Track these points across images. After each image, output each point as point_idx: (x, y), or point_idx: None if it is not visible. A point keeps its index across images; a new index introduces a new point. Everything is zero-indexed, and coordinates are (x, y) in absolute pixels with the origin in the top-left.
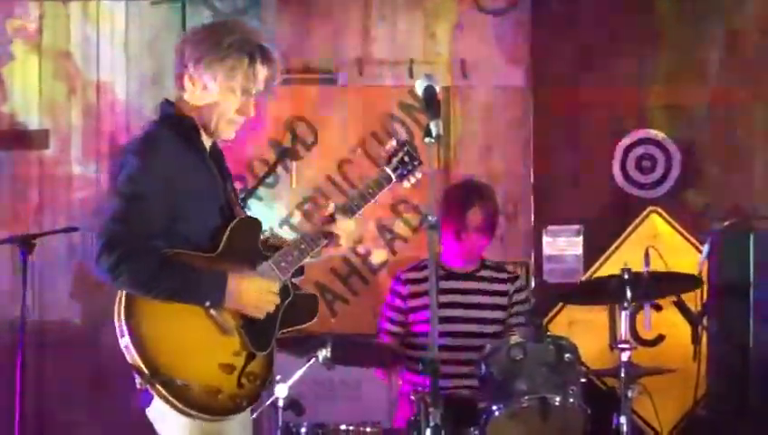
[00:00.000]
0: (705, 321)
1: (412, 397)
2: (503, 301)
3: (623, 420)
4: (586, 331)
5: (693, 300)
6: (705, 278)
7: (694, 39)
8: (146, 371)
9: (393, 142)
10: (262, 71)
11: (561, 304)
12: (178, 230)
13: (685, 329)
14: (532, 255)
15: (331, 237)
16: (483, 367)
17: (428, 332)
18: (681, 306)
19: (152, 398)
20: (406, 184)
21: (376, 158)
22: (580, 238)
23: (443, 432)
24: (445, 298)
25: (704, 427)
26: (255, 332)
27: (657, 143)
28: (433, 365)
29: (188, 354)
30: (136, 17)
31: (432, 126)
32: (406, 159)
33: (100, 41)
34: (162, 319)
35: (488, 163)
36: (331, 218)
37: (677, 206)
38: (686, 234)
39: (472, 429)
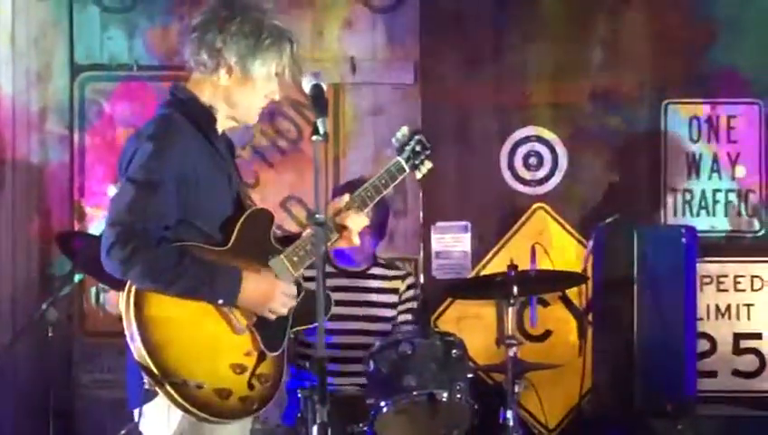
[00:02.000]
0: (589, 316)
1: (299, 394)
2: (393, 299)
3: (510, 414)
4: (474, 327)
5: (578, 296)
6: (589, 274)
7: (578, 36)
8: (156, 371)
9: (404, 131)
10: (292, 56)
11: (449, 300)
12: (191, 221)
13: (571, 324)
14: (421, 251)
15: (343, 231)
16: (371, 363)
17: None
18: (566, 302)
19: (142, 400)
20: (418, 175)
21: (264, 153)
22: (468, 235)
23: (329, 430)
24: (335, 296)
25: (589, 421)
26: (268, 331)
27: (544, 140)
28: (320, 363)
29: (199, 355)
30: (23, 12)
31: (319, 124)
32: (418, 148)
33: None
34: (173, 316)
35: (378, 160)
36: (344, 212)
37: (563, 202)
38: (571, 230)
39: (360, 425)
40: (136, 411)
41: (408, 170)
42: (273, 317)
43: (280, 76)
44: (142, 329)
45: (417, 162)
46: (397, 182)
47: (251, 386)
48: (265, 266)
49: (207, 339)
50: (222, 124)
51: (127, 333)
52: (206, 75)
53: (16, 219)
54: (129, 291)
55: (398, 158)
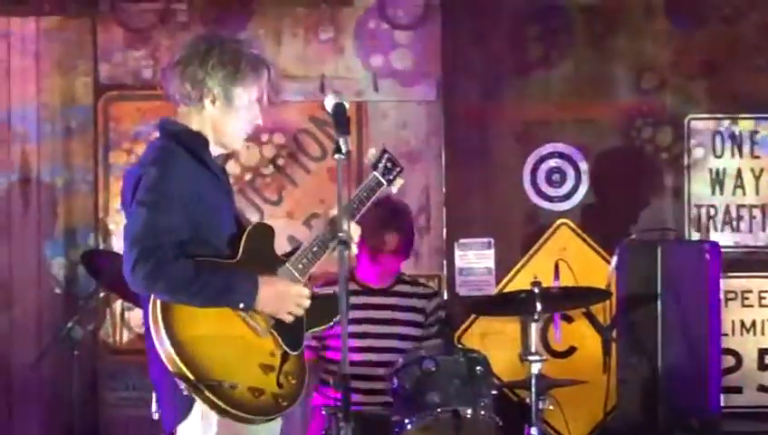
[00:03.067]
0: (613, 333)
1: (324, 411)
2: (419, 318)
3: (534, 431)
4: (498, 343)
5: (602, 312)
6: (613, 290)
7: (601, 52)
8: (191, 376)
9: (372, 150)
10: (269, 81)
11: (472, 316)
12: (201, 238)
13: (595, 341)
14: (444, 268)
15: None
16: (395, 380)
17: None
18: (590, 318)
19: (178, 419)
20: (393, 189)
21: (289, 172)
22: (492, 251)
23: None
24: (360, 314)
25: None
26: (286, 332)
27: (567, 157)
28: (344, 380)
29: (230, 357)
30: (47, 32)
31: (341, 142)
32: (389, 165)
33: None
34: (199, 325)
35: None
36: (334, 222)
37: (587, 219)
38: (595, 246)
39: None
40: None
41: (384, 184)
42: (290, 319)
43: (260, 101)
44: (172, 337)
45: (390, 177)
46: (377, 195)
47: (280, 384)
48: (274, 275)
49: (235, 341)
50: (212, 151)
51: (156, 343)
52: (191, 106)
53: (41, 238)
54: (155, 303)
55: (375, 173)
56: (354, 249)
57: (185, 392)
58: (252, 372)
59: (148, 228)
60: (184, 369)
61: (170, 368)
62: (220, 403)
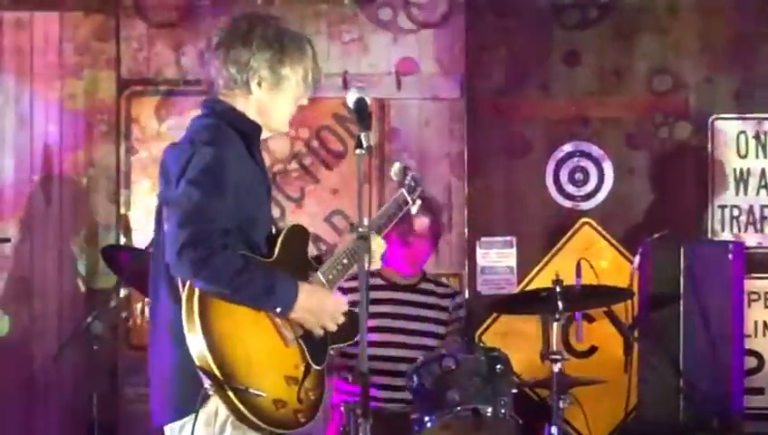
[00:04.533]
0: (635, 332)
1: (342, 408)
2: (443, 316)
3: (555, 430)
4: (519, 342)
5: (624, 311)
6: (635, 290)
7: (625, 51)
8: (219, 375)
9: (398, 167)
10: (313, 58)
11: (493, 315)
12: (244, 230)
13: (617, 340)
14: (466, 266)
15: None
16: (415, 378)
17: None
18: (612, 317)
19: (175, 415)
20: (414, 209)
21: (310, 169)
22: (514, 250)
23: None
24: (384, 308)
25: None
26: (313, 344)
27: (590, 156)
28: (363, 377)
29: (260, 364)
30: (70, 27)
31: (363, 137)
32: (413, 184)
33: None
34: (234, 324)
35: (422, 175)
36: (364, 237)
37: (609, 218)
38: (617, 245)
39: None
40: (177, 424)
41: (410, 202)
42: (320, 332)
43: (305, 79)
44: (206, 333)
45: (414, 197)
46: (403, 212)
47: (300, 400)
48: (307, 282)
49: (266, 348)
50: None
51: (189, 336)
52: (236, 90)
53: (63, 233)
54: (192, 294)
55: (402, 190)
56: (379, 263)
57: (208, 390)
58: (277, 382)
59: (200, 211)
60: (213, 365)
61: (197, 362)
62: (242, 408)
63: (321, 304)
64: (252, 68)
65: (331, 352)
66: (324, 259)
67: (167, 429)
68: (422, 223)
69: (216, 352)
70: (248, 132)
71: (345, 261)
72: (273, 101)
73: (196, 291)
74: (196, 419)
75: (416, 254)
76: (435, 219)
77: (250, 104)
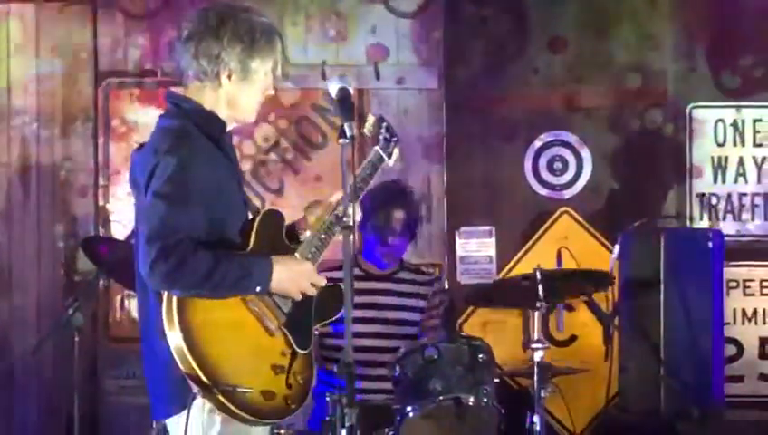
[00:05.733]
0: (616, 321)
1: (327, 398)
2: (421, 303)
3: (536, 419)
4: (500, 331)
5: (604, 300)
6: (616, 278)
7: (603, 39)
8: (205, 380)
9: (371, 120)
10: (282, 50)
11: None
12: (215, 232)
13: (597, 329)
14: (446, 256)
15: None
16: (397, 368)
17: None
18: (592, 306)
19: (171, 411)
20: (390, 162)
21: (289, 160)
22: (493, 240)
23: (358, 433)
24: (362, 299)
25: (616, 426)
26: (296, 330)
27: (569, 145)
28: (348, 367)
29: (244, 359)
30: (47, 18)
31: (346, 127)
32: (387, 135)
33: None
34: (215, 322)
35: (402, 165)
36: (338, 206)
37: (588, 207)
38: (597, 234)
39: (386, 430)
40: (175, 418)
41: (386, 158)
42: (300, 298)
43: (274, 72)
44: (188, 338)
45: (389, 150)
46: (378, 171)
47: (289, 385)
48: None
49: (249, 342)
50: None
51: (171, 342)
52: (206, 82)
53: (41, 225)
54: (171, 300)
55: (376, 147)
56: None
57: (197, 393)
58: (264, 374)
59: (166, 224)
60: (197, 369)
61: (181, 367)
62: (232, 407)
63: (296, 272)
64: (222, 61)
65: (316, 333)
66: (299, 231)
67: (168, 422)
68: (399, 219)
69: (200, 356)
70: (214, 129)
71: (323, 236)
72: (241, 93)
73: (174, 297)
74: (188, 417)
75: (392, 251)
76: (410, 211)
77: (219, 96)
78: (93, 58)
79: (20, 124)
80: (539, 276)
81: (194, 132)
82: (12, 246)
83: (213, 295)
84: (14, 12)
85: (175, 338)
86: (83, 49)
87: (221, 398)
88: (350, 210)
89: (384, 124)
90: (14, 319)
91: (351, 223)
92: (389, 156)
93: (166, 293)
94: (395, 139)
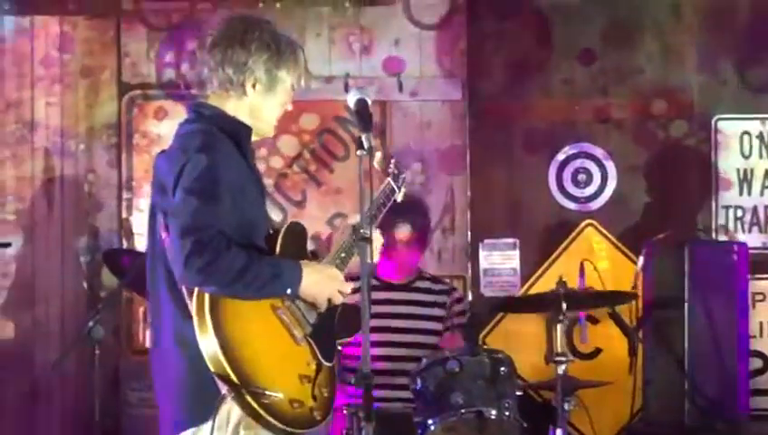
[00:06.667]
0: (640, 334)
1: (345, 411)
2: (440, 312)
3: (559, 432)
4: (523, 344)
5: (628, 313)
6: (640, 291)
7: (627, 51)
8: (235, 379)
9: (379, 156)
10: (304, 64)
11: (497, 317)
12: (242, 230)
13: (621, 342)
14: (469, 269)
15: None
16: (418, 381)
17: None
18: (616, 319)
19: (189, 423)
20: (399, 197)
21: (312, 172)
22: (517, 252)
23: None
24: (381, 309)
25: None
26: (322, 341)
27: (593, 157)
28: (366, 379)
29: (274, 364)
30: (70, 31)
31: (364, 139)
32: (396, 171)
33: None
34: (244, 327)
35: (424, 177)
36: (356, 229)
37: (613, 219)
38: (621, 247)
39: None
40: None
41: (397, 191)
42: (326, 305)
43: (297, 84)
44: (220, 337)
45: (399, 184)
46: (391, 203)
47: (314, 397)
48: None
49: (278, 348)
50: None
51: (201, 341)
52: (230, 92)
53: (65, 238)
54: (202, 300)
55: (389, 179)
56: (377, 256)
57: (226, 395)
58: (292, 382)
59: (199, 219)
60: (228, 369)
61: (212, 367)
62: (260, 411)
63: (325, 277)
64: (249, 69)
65: (339, 348)
66: (320, 253)
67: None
68: (402, 233)
69: (230, 356)
70: (239, 134)
71: (343, 255)
72: (264, 104)
73: (206, 296)
74: (213, 426)
75: (401, 263)
76: (416, 225)
77: (242, 106)
78: (117, 71)
79: (43, 137)
80: (561, 292)
81: (220, 135)
82: (35, 258)
83: (244, 294)
84: (37, 25)
85: (207, 338)
86: (107, 62)
87: (250, 400)
88: (367, 224)
89: (392, 162)
90: (37, 332)
91: (369, 234)
92: (399, 189)
93: (195, 301)
94: (403, 176)
